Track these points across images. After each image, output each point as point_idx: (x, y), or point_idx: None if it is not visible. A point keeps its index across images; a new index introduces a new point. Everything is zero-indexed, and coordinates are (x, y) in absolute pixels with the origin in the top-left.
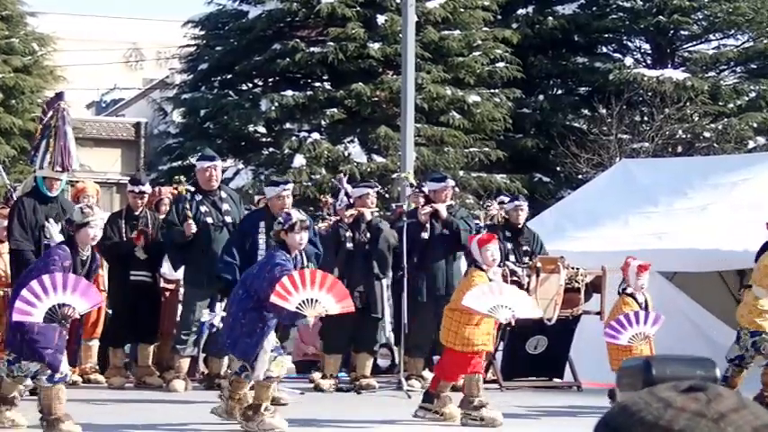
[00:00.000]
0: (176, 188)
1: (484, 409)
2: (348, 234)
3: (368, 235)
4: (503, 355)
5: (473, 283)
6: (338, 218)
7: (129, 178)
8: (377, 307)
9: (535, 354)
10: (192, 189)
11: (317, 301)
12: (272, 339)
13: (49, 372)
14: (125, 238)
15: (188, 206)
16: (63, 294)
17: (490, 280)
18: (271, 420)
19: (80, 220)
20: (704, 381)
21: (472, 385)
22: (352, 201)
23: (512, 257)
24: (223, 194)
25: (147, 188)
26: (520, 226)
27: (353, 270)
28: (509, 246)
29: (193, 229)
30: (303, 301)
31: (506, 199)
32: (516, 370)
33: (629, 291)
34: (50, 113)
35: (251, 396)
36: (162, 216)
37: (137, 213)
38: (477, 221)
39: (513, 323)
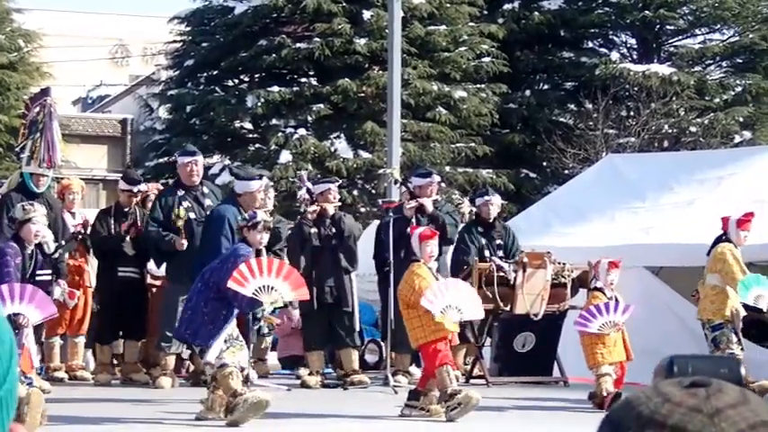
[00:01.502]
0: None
1: (459, 395)
2: (313, 230)
3: (333, 229)
4: (491, 355)
5: (415, 275)
6: (301, 215)
7: (117, 175)
8: (348, 301)
9: (523, 352)
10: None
11: (272, 288)
12: (229, 329)
13: None
14: (113, 234)
15: (180, 214)
16: (18, 304)
17: (429, 269)
18: (251, 394)
19: (22, 216)
20: (728, 380)
21: (443, 377)
22: (314, 197)
23: (486, 252)
24: (205, 190)
25: (143, 187)
26: (491, 220)
27: (322, 265)
28: (483, 241)
29: (184, 246)
30: (259, 288)
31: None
32: (505, 369)
33: (598, 285)
34: (37, 109)
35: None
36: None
37: (126, 210)
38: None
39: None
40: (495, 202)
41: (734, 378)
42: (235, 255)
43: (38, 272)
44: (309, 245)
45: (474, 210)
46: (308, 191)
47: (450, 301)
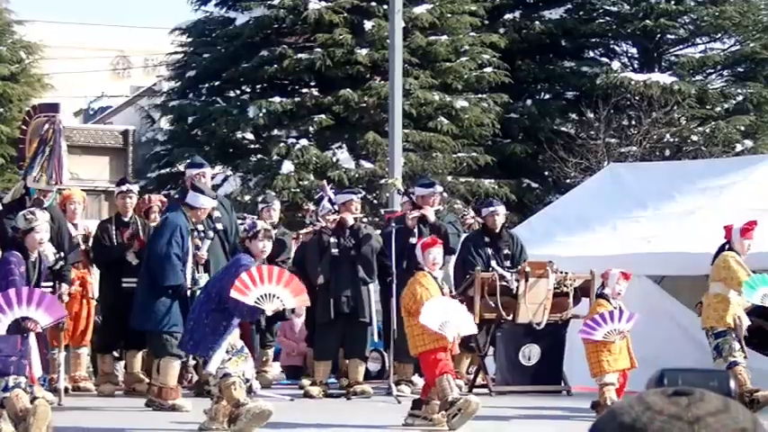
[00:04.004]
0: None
1: (458, 402)
2: (332, 240)
3: (352, 240)
4: (498, 369)
5: (418, 283)
6: (322, 224)
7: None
8: (364, 312)
9: (529, 365)
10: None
11: (274, 295)
12: (231, 340)
13: (4, 383)
14: (116, 244)
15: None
16: (27, 308)
17: (435, 278)
18: (254, 404)
19: (25, 226)
20: (717, 393)
21: (443, 386)
22: (336, 207)
23: (493, 262)
24: None
25: (134, 188)
26: (498, 230)
27: (339, 275)
28: (489, 251)
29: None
30: (261, 296)
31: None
32: (512, 380)
33: (605, 292)
34: (46, 126)
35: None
36: (153, 224)
37: (126, 219)
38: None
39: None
40: (501, 212)
41: (723, 390)
42: (236, 265)
43: (42, 283)
44: (328, 254)
45: (479, 220)
46: (330, 200)
47: (449, 318)
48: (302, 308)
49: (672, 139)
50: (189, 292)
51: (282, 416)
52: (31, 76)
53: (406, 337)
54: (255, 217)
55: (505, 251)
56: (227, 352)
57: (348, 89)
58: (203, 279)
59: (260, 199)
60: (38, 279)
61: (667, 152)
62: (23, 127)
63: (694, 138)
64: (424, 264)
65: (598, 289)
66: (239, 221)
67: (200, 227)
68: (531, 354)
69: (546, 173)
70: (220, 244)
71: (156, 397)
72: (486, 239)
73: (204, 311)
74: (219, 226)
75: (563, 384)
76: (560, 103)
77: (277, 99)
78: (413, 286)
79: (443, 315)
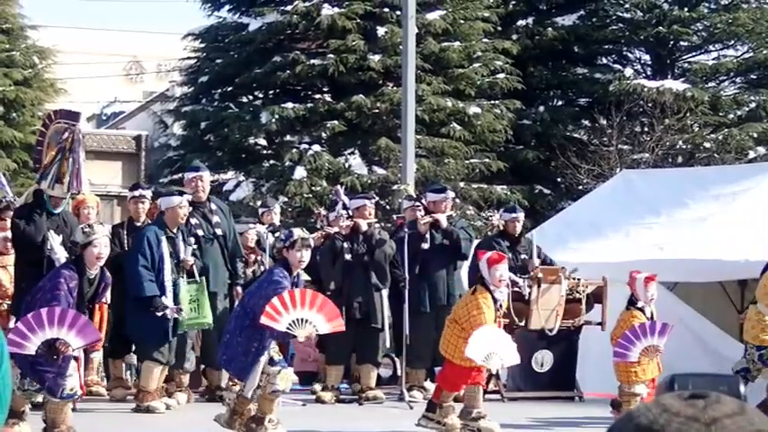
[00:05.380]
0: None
1: (482, 421)
2: (346, 245)
3: (365, 246)
4: (510, 375)
5: (477, 306)
6: (336, 229)
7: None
8: (377, 318)
9: (542, 371)
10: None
11: (307, 320)
12: (274, 353)
13: (60, 389)
14: (127, 250)
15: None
16: (59, 330)
17: (495, 300)
18: None
19: (83, 240)
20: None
21: (471, 396)
22: (350, 212)
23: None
24: (213, 206)
25: (147, 193)
26: (516, 236)
27: (352, 281)
28: (509, 255)
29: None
30: (293, 322)
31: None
32: (524, 387)
33: (639, 304)
34: (66, 134)
35: (254, 409)
36: None
37: (138, 224)
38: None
39: None
40: (522, 219)
41: (733, 395)
42: (269, 280)
43: (100, 299)
44: (341, 260)
45: (502, 223)
46: (344, 205)
47: (495, 350)
48: None
49: (684, 146)
50: (172, 298)
51: (294, 421)
52: (44, 81)
53: (442, 335)
54: (256, 221)
55: (523, 256)
56: (274, 363)
57: (361, 95)
58: (183, 285)
59: (259, 203)
60: (93, 296)
61: (680, 159)
62: (42, 129)
63: (707, 145)
64: (490, 280)
65: (629, 299)
66: (250, 227)
67: (201, 232)
68: (543, 360)
69: (558, 179)
70: (219, 250)
71: (134, 398)
72: (506, 243)
73: (238, 327)
74: (219, 231)
75: (575, 391)
76: (573, 110)
77: (290, 105)
78: (472, 303)
79: (489, 347)
